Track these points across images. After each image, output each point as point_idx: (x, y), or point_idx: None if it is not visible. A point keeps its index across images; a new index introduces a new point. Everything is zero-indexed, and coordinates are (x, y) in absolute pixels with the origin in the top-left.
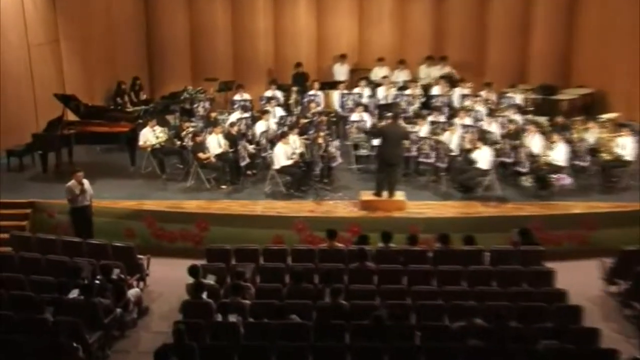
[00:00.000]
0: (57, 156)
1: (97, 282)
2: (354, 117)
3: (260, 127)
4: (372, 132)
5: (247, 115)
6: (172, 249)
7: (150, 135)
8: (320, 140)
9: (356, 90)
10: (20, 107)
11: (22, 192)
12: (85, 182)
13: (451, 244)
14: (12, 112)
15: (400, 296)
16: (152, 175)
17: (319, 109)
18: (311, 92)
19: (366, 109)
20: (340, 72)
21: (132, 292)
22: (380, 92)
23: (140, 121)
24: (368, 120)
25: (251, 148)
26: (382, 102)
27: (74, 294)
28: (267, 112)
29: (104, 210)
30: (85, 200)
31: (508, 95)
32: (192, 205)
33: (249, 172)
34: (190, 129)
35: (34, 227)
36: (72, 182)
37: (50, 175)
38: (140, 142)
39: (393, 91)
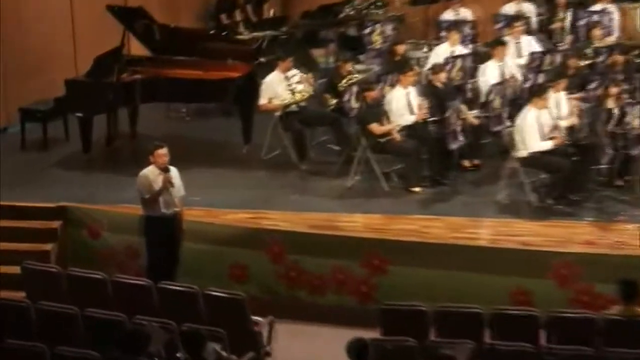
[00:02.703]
0: (110, 123)
1: None
2: None
3: (490, 73)
4: None
5: (465, 51)
6: (316, 305)
7: (282, 87)
8: (610, 103)
9: None
10: (46, 34)
11: (45, 189)
12: (174, 170)
13: None
14: (31, 43)
15: None
16: (283, 162)
17: (612, 39)
18: (595, 7)
19: None
20: None
21: None
22: None
23: (263, 59)
24: None
25: (472, 115)
26: None
27: None
28: (503, 45)
29: (195, 227)
30: (171, 204)
31: None
32: (357, 222)
33: (465, 162)
34: (356, 76)
35: (64, 255)
36: (149, 168)
37: (96, 156)
38: (263, 100)
39: None
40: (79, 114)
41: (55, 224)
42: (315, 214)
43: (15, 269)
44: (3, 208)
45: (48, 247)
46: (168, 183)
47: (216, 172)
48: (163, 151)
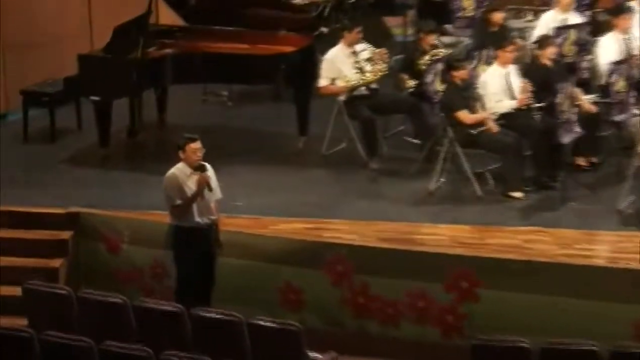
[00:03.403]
0: (133, 109)
1: None
2: None
3: (611, 48)
4: None
5: (580, 19)
6: (388, 339)
7: (347, 65)
8: None
9: None
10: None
11: (53, 191)
12: (210, 169)
13: None
14: (37, 11)
15: None
16: (349, 159)
17: None
18: None
19: None
20: None
21: None
22: None
23: (324, 30)
24: None
25: (588, 101)
26: None
27: None
28: (628, 12)
29: (237, 240)
30: (206, 211)
31: None
32: (441, 235)
33: (579, 160)
34: (442, 52)
35: (76, 273)
36: (179, 167)
37: (115, 151)
38: (324, 81)
39: None
40: (95, 98)
41: (65, 234)
42: (389, 224)
43: (16, 290)
44: (1, 214)
45: (56, 263)
46: (206, 185)
47: (265, 171)
48: (196, 145)
